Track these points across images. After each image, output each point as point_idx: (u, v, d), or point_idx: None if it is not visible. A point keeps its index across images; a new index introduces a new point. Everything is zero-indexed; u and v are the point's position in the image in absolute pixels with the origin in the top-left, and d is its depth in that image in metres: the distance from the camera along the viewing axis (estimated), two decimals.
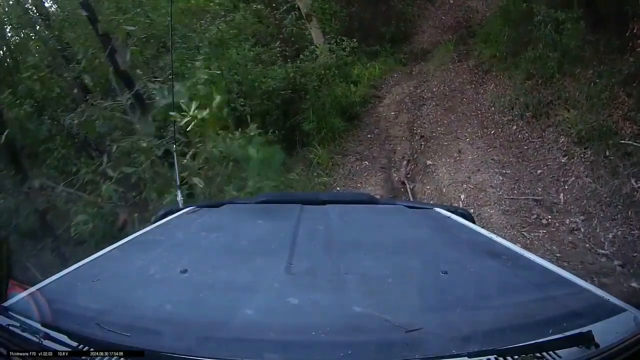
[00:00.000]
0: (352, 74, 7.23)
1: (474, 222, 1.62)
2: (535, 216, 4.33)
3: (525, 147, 5.10)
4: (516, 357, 0.73)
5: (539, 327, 0.81)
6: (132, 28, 5.10)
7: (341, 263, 1.11)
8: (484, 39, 6.87)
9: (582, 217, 4.15)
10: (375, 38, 7.92)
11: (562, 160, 4.74)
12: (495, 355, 0.73)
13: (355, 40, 7.22)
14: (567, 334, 0.76)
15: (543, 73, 5.31)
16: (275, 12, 7.50)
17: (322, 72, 6.70)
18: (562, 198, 4.43)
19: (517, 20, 5.98)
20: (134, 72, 5.02)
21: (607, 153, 4.39)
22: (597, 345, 0.73)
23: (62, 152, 5.23)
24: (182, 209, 1.85)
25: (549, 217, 4.28)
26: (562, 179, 4.59)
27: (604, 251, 3.76)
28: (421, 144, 5.90)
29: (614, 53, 4.78)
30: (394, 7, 8.32)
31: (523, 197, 4.56)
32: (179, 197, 2.04)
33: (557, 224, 4.19)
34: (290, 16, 7.14)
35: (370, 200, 2.17)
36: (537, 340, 0.76)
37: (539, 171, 4.80)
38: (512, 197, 4.61)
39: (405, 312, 0.89)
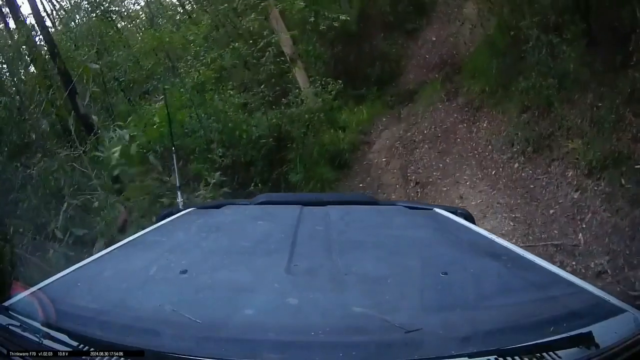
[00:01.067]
0: (339, 119, 7.03)
1: (474, 223, 1.63)
2: (558, 264, 3.78)
3: (532, 186, 4.66)
4: (516, 357, 0.73)
5: (539, 328, 0.81)
6: (96, 66, 4.76)
7: (341, 263, 1.11)
8: (471, 74, 6.56)
9: (607, 258, 3.61)
10: (361, 80, 7.73)
11: (575, 196, 4.23)
12: (495, 356, 0.73)
13: (340, 82, 6.99)
14: (567, 334, 0.76)
15: (539, 103, 4.94)
16: (258, 53, 7.02)
17: (308, 117, 6.42)
18: (582, 238, 3.92)
19: (504, 49, 5.70)
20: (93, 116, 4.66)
21: (623, 181, 3.87)
22: (597, 346, 0.73)
23: (33, 202, 4.33)
24: (183, 210, 1.86)
25: (573, 262, 3.78)
26: (578, 217, 4.07)
27: (636, 292, 3.26)
28: (417, 191, 5.60)
29: (613, 71, 4.37)
30: (377, 47, 8.11)
31: (541, 244, 4.09)
32: (179, 199, 2.05)
33: (582, 270, 3.67)
34: (267, 53, 6.73)
35: (371, 201, 2.17)
36: (537, 341, 0.76)
37: (551, 211, 4.32)
38: (528, 244, 4.09)
39: (405, 312, 0.89)
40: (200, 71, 6.77)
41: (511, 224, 4.48)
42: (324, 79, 6.99)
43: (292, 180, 5.94)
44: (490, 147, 5.50)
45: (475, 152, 5.65)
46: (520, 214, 4.50)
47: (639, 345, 0.73)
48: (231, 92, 6.88)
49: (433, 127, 6.45)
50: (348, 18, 7.15)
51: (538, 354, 0.73)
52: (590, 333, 0.73)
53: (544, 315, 0.85)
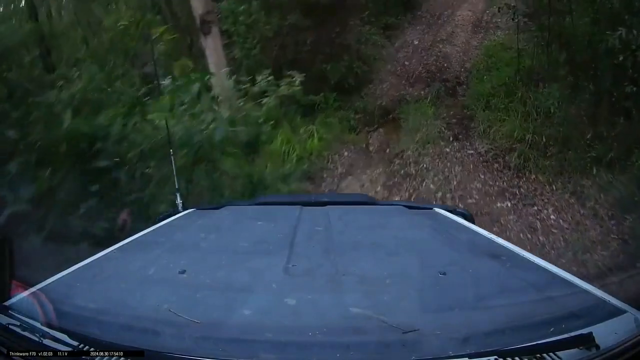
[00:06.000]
0: (273, 147, 4.08)
1: (473, 222, 1.62)
2: None
3: None
4: (516, 358, 0.73)
5: (539, 328, 0.81)
6: None
7: (339, 264, 1.11)
8: (483, 104, 4.90)
9: None
10: (316, 81, 4.95)
11: None
12: (495, 356, 0.73)
13: (296, 79, 4.17)
14: (568, 335, 0.76)
15: None
16: None
17: (207, 140, 3.33)
18: None
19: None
20: None
21: None
22: (597, 347, 0.72)
23: None
24: (182, 211, 1.87)
25: None
26: None
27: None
28: None
29: None
30: (344, 36, 5.56)
31: None
32: (179, 200, 2.05)
33: None
34: None
35: (370, 201, 2.18)
36: (537, 342, 0.76)
37: None
38: None
39: (403, 313, 0.89)
40: None
41: None
42: (261, 68, 4.14)
43: None
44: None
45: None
46: None
47: (639, 346, 0.73)
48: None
49: (440, 193, 3.89)
50: None
51: (538, 355, 0.73)
52: (590, 334, 0.73)
53: (544, 315, 0.85)
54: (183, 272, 1.07)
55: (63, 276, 1.10)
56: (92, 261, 1.22)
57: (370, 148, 4.81)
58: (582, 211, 3.88)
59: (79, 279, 1.10)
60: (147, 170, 3.34)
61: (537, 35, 5.19)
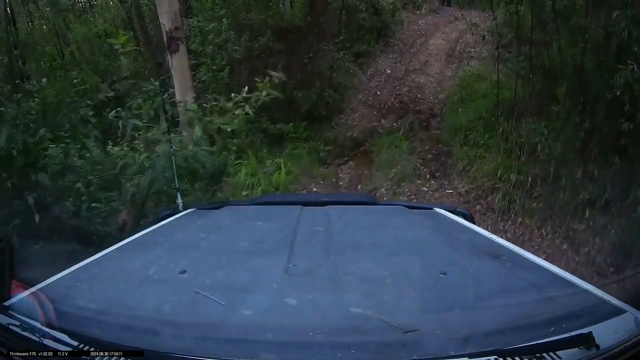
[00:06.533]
0: (237, 180, 3.85)
1: (473, 223, 1.62)
2: None
3: None
4: (516, 358, 0.73)
5: (539, 328, 0.81)
6: None
7: (340, 264, 1.11)
8: (461, 139, 4.52)
9: None
10: (285, 109, 4.72)
11: None
12: (495, 356, 0.73)
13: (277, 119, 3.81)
14: (568, 334, 0.76)
15: None
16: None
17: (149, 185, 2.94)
18: None
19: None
20: None
21: None
22: (597, 347, 0.72)
23: None
24: (182, 210, 1.86)
25: None
26: None
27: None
28: None
29: None
30: (317, 62, 5.19)
31: None
32: (179, 199, 2.05)
33: None
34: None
35: (370, 201, 2.18)
36: (537, 342, 0.76)
37: None
38: None
39: (403, 313, 0.89)
40: None
41: None
42: (228, 92, 3.59)
43: None
44: None
45: None
46: None
47: (639, 346, 0.73)
48: None
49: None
50: None
51: (538, 354, 0.73)
52: (590, 333, 0.73)
53: (544, 315, 0.85)
54: (183, 272, 1.07)
55: (63, 276, 1.10)
56: (92, 261, 1.21)
57: (341, 183, 4.44)
58: (577, 258, 3.64)
59: (79, 279, 1.10)
60: (96, 204, 2.92)
61: (523, 66, 4.71)
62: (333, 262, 1.13)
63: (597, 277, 3.41)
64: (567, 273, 1.05)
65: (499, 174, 4.20)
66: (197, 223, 1.65)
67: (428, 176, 4.38)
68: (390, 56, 6.59)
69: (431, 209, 1.81)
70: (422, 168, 4.47)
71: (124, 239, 1.42)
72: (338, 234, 1.41)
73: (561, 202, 3.92)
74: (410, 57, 6.48)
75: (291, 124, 4.85)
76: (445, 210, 1.73)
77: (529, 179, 4.12)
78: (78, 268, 1.16)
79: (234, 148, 3.48)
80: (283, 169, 4.16)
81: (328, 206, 1.79)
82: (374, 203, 2.13)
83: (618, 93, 3.67)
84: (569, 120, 4.22)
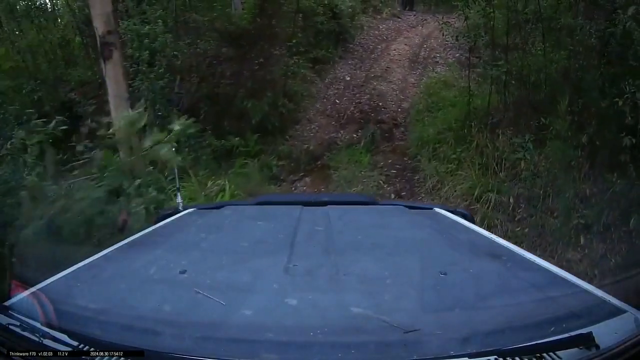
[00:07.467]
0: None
1: (473, 223, 1.63)
2: None
3: None
4: (516, 358, 0.73)
5: (539, 328, 0.81)
6: None
7: (340, 264, 1.11)
8: (429, 153, 4.14)
9: None
10: (234, 120, 4.40)
11: None
12: (495, 356, 0.73)
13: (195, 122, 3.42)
14: (568, 335, 0.76)
15: None
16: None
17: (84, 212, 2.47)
18: None
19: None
20: None
21: None
22: (597, 347, 0.72)
23: None
24: (182, 210, 1.86)
25: None
26: None
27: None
28: None
29: None
30: (270, 69, 4.85)
31: None
32: (179, 199, 2.05)
33: None
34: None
35: (371, 201, 2.18)
36: (537, 342, 0.76)
37: None
38: None
39: (403, 313, 0.89)
40: None
41: None
42: (164, 102, 3.40)
43: None
44: None
45: None
46: None
47: (639, 346, 0.73)
48: None
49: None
50: None
51: (538, 355, 0.73)
52: (590, 333, 0.73)
53: (544, 315, 0.85)
54: (183, 272, 1.07)
55: (63, 276, 1.10)
56: (92, 261, 1.21)
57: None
58: None
59: (79, 279, 1.10)
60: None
61: (498, 73, 4.19)
62: (333, 262, 1.13)
63: None
64: (567, 273, 1.05)
65: (475, 193, 3.78)
66: (197, 223, 1.65)
67: (393, 196, 3.95)
68: (349, 62, 6.23)
69: (431, 209, 1.81)
70: (385, 187, 4.06)
71: (124, 239, 1.42)
72: (338, 234, 1.41)
73: (551, 227, 3.50)
74: (371, 63, 6.09)
75: (239, 138, 4.42)
76: (445, 210, 1.73)
77: (511, 200, 3.73)
78: (78, 268, 1.16)
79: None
80: (227, 191, 3.61)
81: (328, 206, 1.79)
82: (374, 203, 2.14)
83: (620, 103, 3.29)
84: (559, 134, 3.77)
